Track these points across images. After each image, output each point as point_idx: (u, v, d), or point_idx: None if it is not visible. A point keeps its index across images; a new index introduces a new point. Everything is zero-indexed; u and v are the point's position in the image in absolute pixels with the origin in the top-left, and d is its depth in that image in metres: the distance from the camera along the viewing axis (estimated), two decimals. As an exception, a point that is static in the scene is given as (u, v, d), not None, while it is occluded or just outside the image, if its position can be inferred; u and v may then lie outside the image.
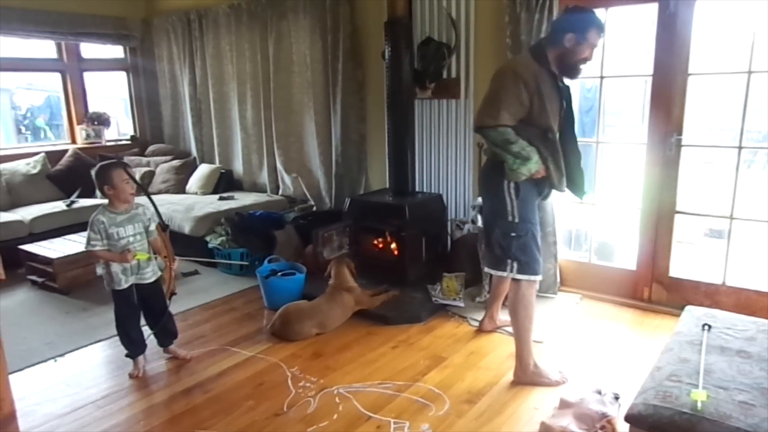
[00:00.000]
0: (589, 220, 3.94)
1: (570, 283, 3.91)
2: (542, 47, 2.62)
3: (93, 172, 2.81)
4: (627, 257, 3.88)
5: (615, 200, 4.14)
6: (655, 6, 3.30)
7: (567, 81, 2.70)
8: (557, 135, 2.67)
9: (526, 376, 2.78)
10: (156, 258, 2.96)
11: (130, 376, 2.96)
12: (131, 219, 2.83)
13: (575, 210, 4.04)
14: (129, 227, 2.82)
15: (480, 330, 3.36)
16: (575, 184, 2.75)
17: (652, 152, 3.47)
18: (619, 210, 4.08)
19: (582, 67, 2.61)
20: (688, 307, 2.49)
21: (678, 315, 2.58)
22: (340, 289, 3.55)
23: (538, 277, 2.76)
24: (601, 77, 3.64)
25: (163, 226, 2.93)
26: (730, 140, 3.40)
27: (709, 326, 2.23)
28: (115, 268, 2.82)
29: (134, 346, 2.99)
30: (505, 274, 2.76)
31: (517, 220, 2.67)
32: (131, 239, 2.82)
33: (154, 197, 5.28)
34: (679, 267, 3.57)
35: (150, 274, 2.94)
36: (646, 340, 3.20)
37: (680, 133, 3.36)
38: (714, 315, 2.37)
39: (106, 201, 2.85)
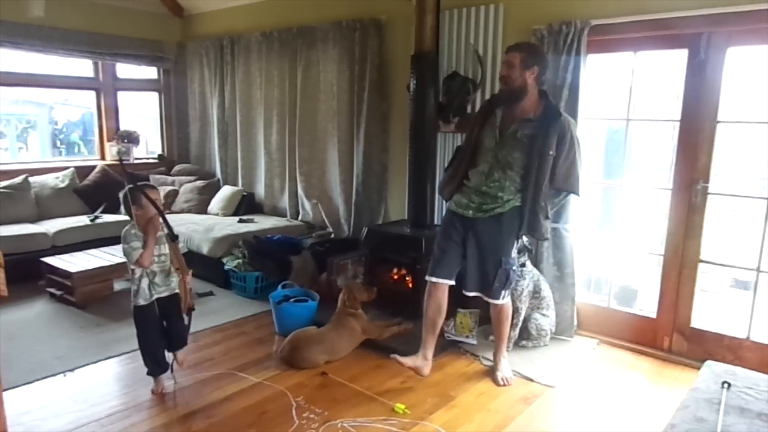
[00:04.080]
0: (610, 264, 3.85)
1: (587, 327, 3.81)
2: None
3: (126, 192, 2.86)
4: (647, 304, 3.78)
5: (637, 244, 4.05)
6: (684, 52, 3.27)
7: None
8: None
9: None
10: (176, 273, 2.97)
11: (153, 392, 2.97)
12: (158, 240, 2.87)
13: (596, 252, 3.97)
14: (155, 247, 2.86)
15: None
16: None
17: (677, 198, 3.40)
18: (641, 255, 3.98)
19: (501, 82, 3.01)
20: (708, 362, 2.39)
21: (699, 368, 2.48)
22: (345, 315, 3.53)
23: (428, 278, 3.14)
24: (628, 119, 3.60)
25: (172, 237, 2.85)
26: (760, 190, 3.32)
27: (729, 384, 2.13)
28: (143, 283, 2.85)
29: (158, 366, 2.99)
30: None
31: None
32: (155, 258, 2.87)
33: (176, 215, 5.40)
34: (702, 317, 3.46)
35: (164, 289, 2.93)
36: (663, 392, 3.08)
37: (707, 181, 3.29)
38: (735, 372, 2.26)
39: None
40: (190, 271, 2.91)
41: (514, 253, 3.07)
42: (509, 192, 2.94)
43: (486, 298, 3.11)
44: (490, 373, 3.25)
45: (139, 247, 2.79)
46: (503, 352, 3.26)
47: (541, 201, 2.92)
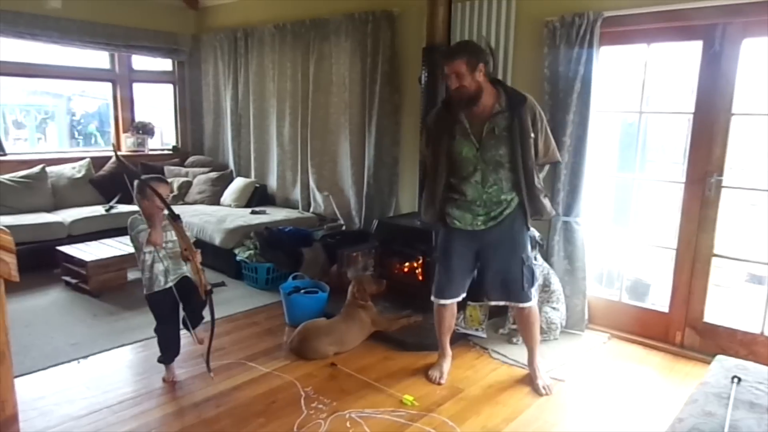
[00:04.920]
0: (622, 258, 3.82)
1: (599, 321, 3.78)
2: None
3: (138, 182, 2.89)
4: (660, 298, 3.74)
5: (650, 238, 4.01)
6: (699, 44, 3.22)
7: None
8: None
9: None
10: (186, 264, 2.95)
11: (164, 380, 3.01)
12: (166, 228, 2.88)
13: (608, 246, 3.94)
14: (164, 234, 2.87)
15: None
16: None
17: (691, 192, 3.36)
18: (654, 249, 3.95)
19: (451, 93, 2.81)
20: (719, 357, 2.37)
21: (711, 363, 2.46)
22: (355, 307, 3.55)
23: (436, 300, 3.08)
24: (641, 112, 3.56)
25: (173, 216, 2.76)
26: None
27: (739, 379, 2.11)
28: (157, 269, 2.88)
29: (169, 353, 3.02)
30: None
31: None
32: (164, 244, 2.88)
33: (189, 207, 5.45)
34: (715, 312, 3.42)
35: (176, 276, 2.94)
36: (674, 387, 3.06)
37: (721, 174, 3.25)
38: (746, 367, 2.24)
39: None
40: (198, 251, 2.84)
41: (529, 247, 3.01)
42: (507, 190, 2.83)
43: (515, 304, 3.01)
44: (529, 381, 3.09)
45: (147, 228, 2.80)
46: (538, 357, 3.11)
47: (536, 183, 2.84)
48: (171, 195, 2.97)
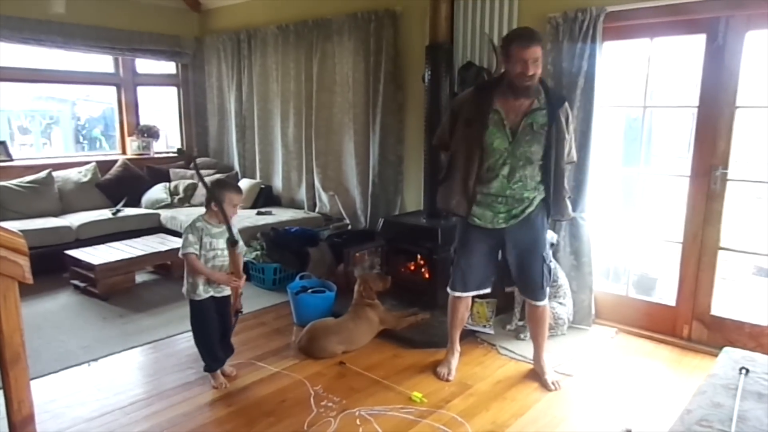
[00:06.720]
0: (628, 252, 3.82)
1: (605, 316, 3.79)
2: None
3: (212, 184, 2.98)
4: (666, 292, 3.75)
5: (656, 232, 4.01)
6: (702, 37, 3.22)
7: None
8: None
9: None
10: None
11: (214, 387, 2.98)
12: (223, 234, 2.90)
13: (615, 241, 3.94)
14: (221, 241, 2.89)
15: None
16: None
17: (696, 185, 3.37)
18: (660, 243, 3.95)
19: (520, 81, 2.63)
20: (726, 349, 2.38)
21: (719, 355, 2.46)
22: (362, 305, 3.56)
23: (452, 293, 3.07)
24: (645, 107, 3.57)
25: (232, 242, 2.85)
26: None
27: (747, 370, 2.11)
28: (199, 279, 2.89)
29: (215, 361, 3.02)
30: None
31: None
32: (219, 252, 2.90)
33: (195, 209, 5.46)
34: (722, 305, 3.42)
35: (220, 290, 2.97)
36: (682, 380, 3.06)
37: (726, 167, 3.25)
38: (753, 358, 2.25)
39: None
40: (244, 277, 2.94)
41: (549, 245, 3.00)
42: (531, 188, 2.79)
43: (530, 301, 3.03)
44: (537, 377, 3.10)
45: (194, 243, 2.82)
46: (545, 353, 3.13)
47: (564, 184, 2.83)
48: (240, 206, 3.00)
